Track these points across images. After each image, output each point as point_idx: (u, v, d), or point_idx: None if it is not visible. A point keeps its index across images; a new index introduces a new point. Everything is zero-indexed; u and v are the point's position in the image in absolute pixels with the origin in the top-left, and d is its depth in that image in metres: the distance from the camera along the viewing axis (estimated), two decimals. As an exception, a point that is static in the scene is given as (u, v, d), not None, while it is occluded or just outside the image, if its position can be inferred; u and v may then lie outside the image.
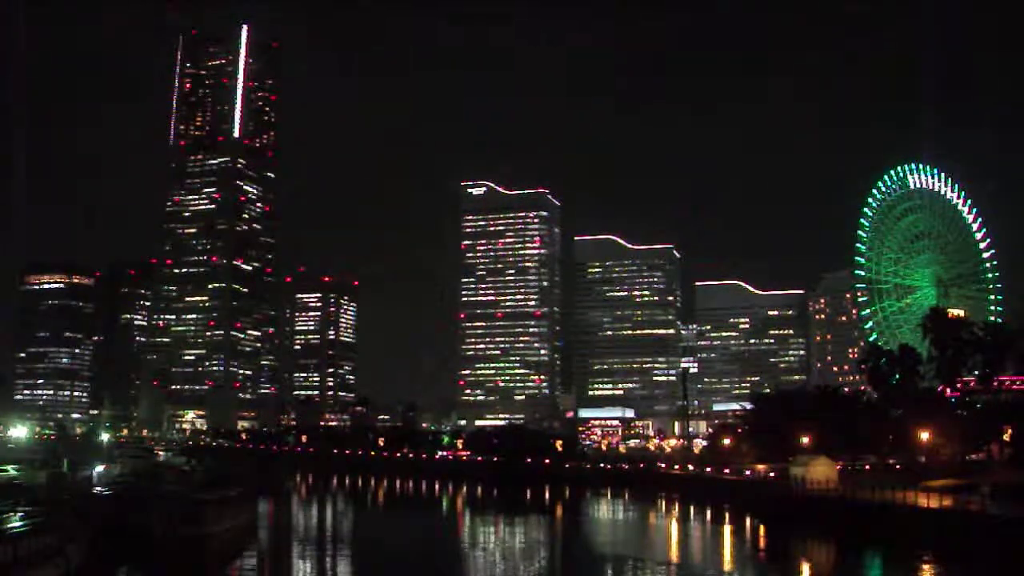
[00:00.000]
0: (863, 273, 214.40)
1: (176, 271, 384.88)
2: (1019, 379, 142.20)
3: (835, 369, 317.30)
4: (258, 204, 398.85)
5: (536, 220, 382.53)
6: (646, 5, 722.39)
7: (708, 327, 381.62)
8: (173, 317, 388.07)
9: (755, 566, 70.42)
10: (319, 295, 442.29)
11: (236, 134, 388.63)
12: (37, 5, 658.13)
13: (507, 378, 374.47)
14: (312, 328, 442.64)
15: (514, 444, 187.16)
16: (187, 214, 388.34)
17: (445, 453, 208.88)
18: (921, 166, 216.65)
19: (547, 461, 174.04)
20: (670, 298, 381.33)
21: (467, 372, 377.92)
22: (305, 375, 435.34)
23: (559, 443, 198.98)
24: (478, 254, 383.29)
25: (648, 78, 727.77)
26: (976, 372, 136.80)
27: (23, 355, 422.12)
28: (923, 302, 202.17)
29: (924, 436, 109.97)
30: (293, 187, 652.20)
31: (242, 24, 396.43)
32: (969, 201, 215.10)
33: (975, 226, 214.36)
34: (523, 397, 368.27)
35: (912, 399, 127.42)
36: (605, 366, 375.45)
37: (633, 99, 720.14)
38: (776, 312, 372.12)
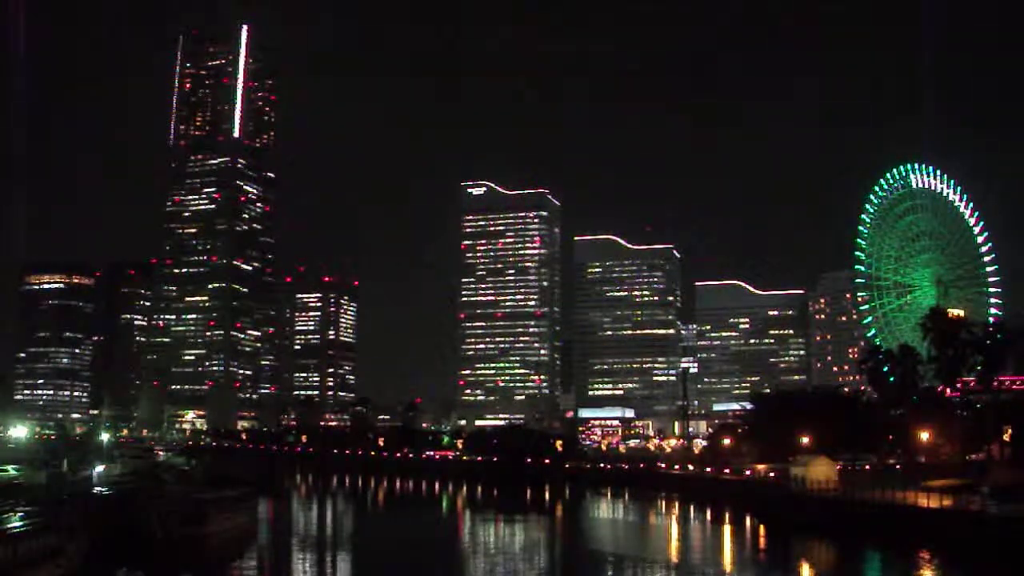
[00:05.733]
0: (863, 269, 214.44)
1: (176, 271, 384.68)
2: (1019, 379, 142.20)
3: (835, 369, 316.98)
4: (258, 204, 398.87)
5: (536, 220, 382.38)
6: (646, 6, 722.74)
7: (708, 327, 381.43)
8: (173, 317, 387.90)
9: (755, 566, 70.39)
10: (319, 295, 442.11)
11: (236, 134, 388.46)
12: (37, 5, 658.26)
13: (507, 378, 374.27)
14: (312, 328, 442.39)
15: (514, 444, 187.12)
16: (187, 214, 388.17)
17: (445, 453, 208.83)
18: (921, 166, 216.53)
19: (547, 461, 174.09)
20: (670, 298, 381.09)
21: (467, 372, 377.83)
22: (305, 375, 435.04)
23: (559, 443, 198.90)
24: (478, 254, 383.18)
25: (648, 78, 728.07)
26: (976, 372, 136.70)
27: (23, 355, 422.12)
28: (923, 301, 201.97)
29: (924, 436, 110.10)
30: (293, 187, 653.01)
31: (242, 24, 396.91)
32: (971, 204, 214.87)
33: (976, 229, 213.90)
34: (523, 397, 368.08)
35: (912, 399, 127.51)
36: (605, 366, 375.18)
37: (634, 99, 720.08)
38: (776, 312, 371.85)
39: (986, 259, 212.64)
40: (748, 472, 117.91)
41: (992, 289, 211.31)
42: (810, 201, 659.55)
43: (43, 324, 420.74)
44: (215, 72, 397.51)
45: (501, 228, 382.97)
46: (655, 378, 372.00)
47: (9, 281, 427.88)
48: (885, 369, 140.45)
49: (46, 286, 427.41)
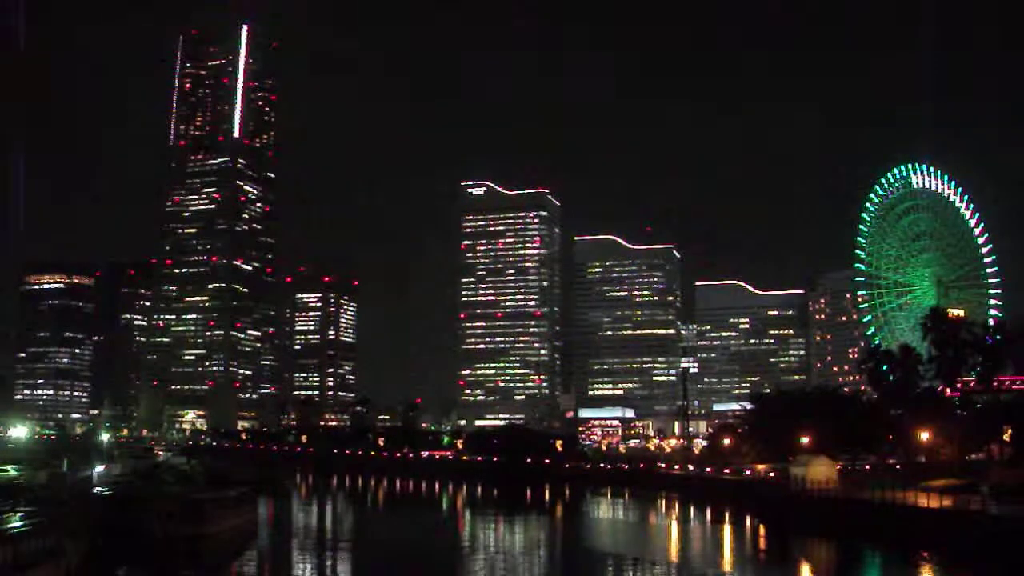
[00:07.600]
0: (863, 267, 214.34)
1: (176, 271, 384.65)
2: (1019, 379, 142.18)
3: (835, 369, 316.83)
4: (258, 204, 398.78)
5: (536, 220, 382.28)
6: (647, 6, 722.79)
7: (708, 327, 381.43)
8: (173, 317, 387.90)
9: (755, 566, 70.38)
10: (319, 295, 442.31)
11: (236, 134, 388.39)
12: (37, 5, 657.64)
13: (507, 378, 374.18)
14: (312, 328, 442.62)
15: (514, 444, 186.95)
16: (187, 214, 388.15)
17: (445, 453, 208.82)
18: (921, 166, 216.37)
19: (547, 461, 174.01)
20: (670, 298, 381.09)
21: (467, 372, 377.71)
22: (305, 375, 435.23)
23: (559, 443, 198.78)
24: (478, 254, 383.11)
25: (649, 78, 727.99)
26: (976, 372, 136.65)
27: (23, 355, 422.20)
28: (923, 301, 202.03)
29: (924, 436, 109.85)
30: (293, 187, 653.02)
31: (242, 24, 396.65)
32: (972, 204, 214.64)
33: (977, 230, 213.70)
34: (523, 397, 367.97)
35: (912, 399, 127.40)
36: (605, 366, 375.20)
37: (633, 99, 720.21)
38: (776, 312, 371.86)
39: (986, 259, 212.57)
40: (748, 472, 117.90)
41: (992, 289, 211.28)
42: (810, 201, 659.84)
43: (43, 324, 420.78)
44: (215, 72, 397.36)
45: (501, 228, 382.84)
46: (655, 378, 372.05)
47: (9, 281, 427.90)
48: (885, 369, 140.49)
49: (46, 286, 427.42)
